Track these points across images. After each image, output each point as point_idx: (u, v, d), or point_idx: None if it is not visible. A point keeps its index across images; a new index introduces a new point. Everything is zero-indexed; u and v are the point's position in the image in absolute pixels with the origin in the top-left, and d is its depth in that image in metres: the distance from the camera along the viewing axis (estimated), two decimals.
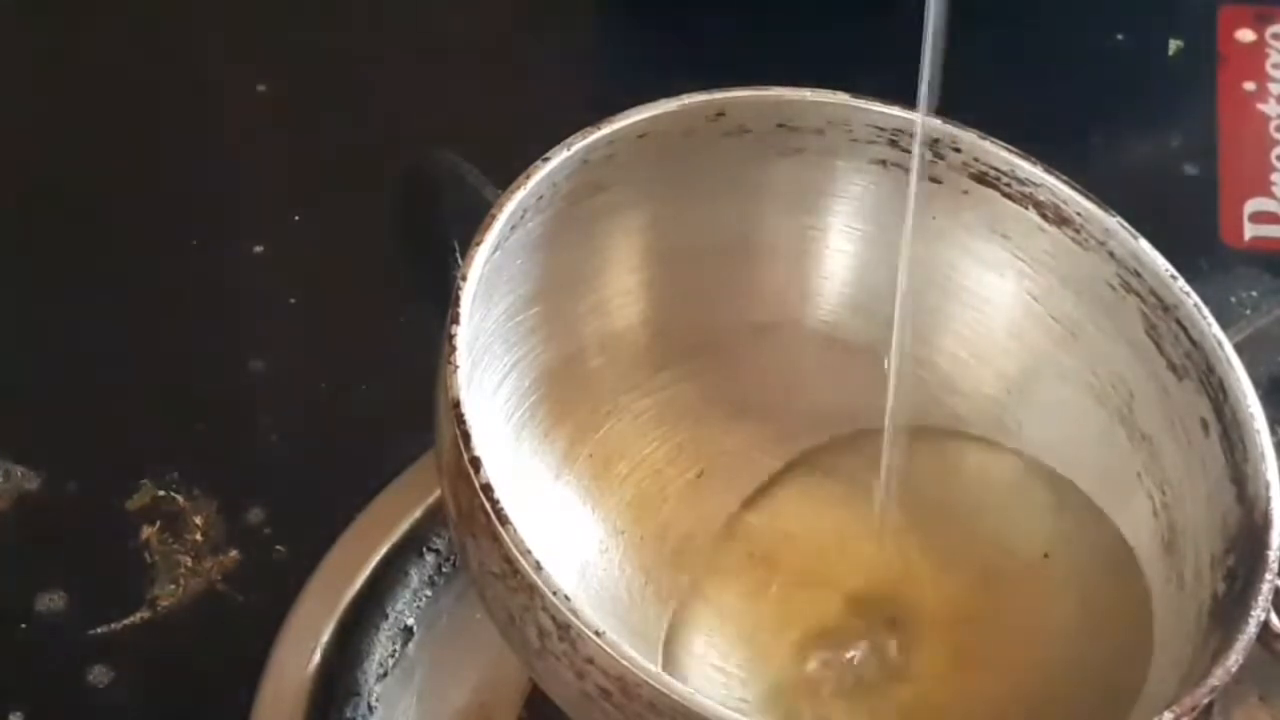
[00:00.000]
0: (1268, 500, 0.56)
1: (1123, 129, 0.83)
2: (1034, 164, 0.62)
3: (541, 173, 0.59)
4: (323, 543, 0.67)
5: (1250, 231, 0.80)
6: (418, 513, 0.67)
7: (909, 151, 0.63)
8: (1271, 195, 0.81)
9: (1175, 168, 0.82)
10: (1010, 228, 0.63)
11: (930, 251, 0.64)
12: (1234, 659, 0.54)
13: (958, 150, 0.62)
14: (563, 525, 0.61)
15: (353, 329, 0.74)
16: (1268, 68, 0.85)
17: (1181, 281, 0.60)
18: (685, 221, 0.64)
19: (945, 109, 0.63)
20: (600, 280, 0.63)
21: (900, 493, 0.63)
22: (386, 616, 0.65)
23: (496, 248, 0.58)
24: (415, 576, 0.66)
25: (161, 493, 0.69)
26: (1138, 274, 0.61)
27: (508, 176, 0.59)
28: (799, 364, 0.65)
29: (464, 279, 0.56)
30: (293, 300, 0.75)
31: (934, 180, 0.63)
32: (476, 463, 0.53)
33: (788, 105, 0.62)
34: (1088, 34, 0.86)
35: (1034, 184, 0.62)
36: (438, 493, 0.57)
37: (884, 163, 0.63)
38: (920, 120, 0.61)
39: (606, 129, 0.60)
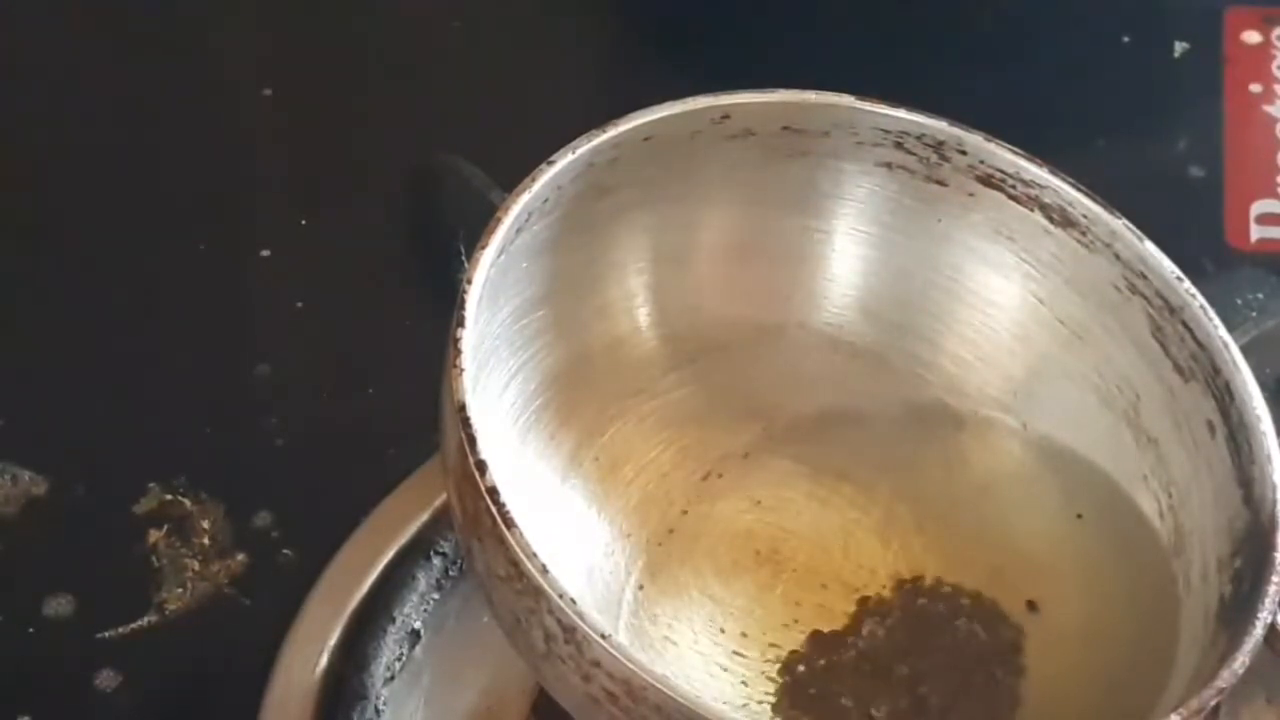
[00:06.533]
0: (1274, 503, 0.56)
1: (1128, 131, 0.83)
2: (1040, 166, 0.62)
3: (546, 176, 0.59)
4: (330, 546, 0.67)
5: (1256, 233, 0.79)
6: (424, 516, 0.67)
7: (915, 154, 0.63)
8: (1277, 197, 0.80)
9: (1181, 170, 0.82)
10: (1016, 230, 0.63)
11: (936, 254, 0.64)
12: (1241, 661, 0.54)
13: (963, 153, 0.62)
14: (569, 528, 0.61)
15: (359, 333, 0.75)
16: (1273, 69, 0.85)
17: (1187, 283, 0.60)
18: (690, 224, 0.64)
19: (951, 111, 0.63)
20: (606, 283, 0.63)
21: (906, 492, 0.63)
22: (393, 620, 0.65)
23: (502, 251, 0.58)
24: (422, 580, 0.66)
25: (169, 497, 0.69)
26: (1143, 276, 0.61)
27: (513, 180, 0.59)
28: (804, 366, 0.65)
29: (469, 282, 0.56)
30: (299, 304, 0.75)
31: (940, 183, 0.63)
32: (482, 466, 0.54)
33: (793, 108, 0.62)
34: (1093, 36, 0.86)
35: (1040, 186, 0.62)
36: (444, 496, 0.58)
37: (889, 165, 0.63)
38: None
39: (611, 132, 0.60)
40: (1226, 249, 0.79)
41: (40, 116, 0.81)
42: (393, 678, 0.64)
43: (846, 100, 0.62)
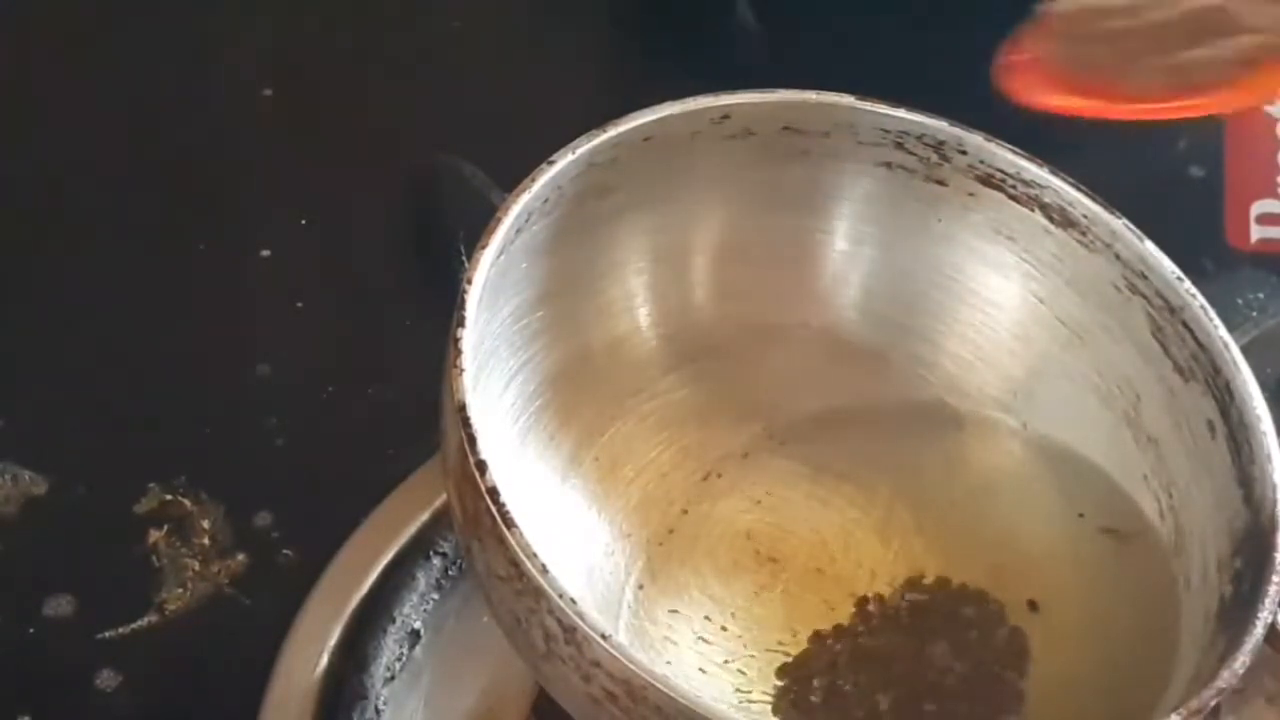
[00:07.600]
0: (1274, 503, 0.56)
1: (1128, 131, 0.83)
2: (1040, 166, 0.62)
3: (546, 176, 0.59)
4: (330, 546, 0.67)
5: (1256, 233, 0.79)
6: (424, 516, 0.67)
7: (915, 154, 0.63)
8: (1277, 197, 0.80)
9: (1181, 170, 0.82)
10: (1016, 230, 0.63)
11: (936, 254, 0.64)
12: (1241, 661, 0.54)
13: (964, 153, 0.62)
14: (569, 528, 0.61)
15: (359, 333, 0.75)
16: None
17: (1188, 283, 0.60)
18: (690, 224, 0.64)
19: (951, 111, 0.63)
20: (606, 283, 0.63)
21: (906, 492, 0.63)
22: (393, 620, 0.65)
23: (502, 251, 0.58)
24: (422, 580, 0.66)
25: (169, 497, 0.69)
26: (1144, 276, 0.61)
27: (513, 180, 0.59)
28: (804, 366, 0.65)
29: (469, 282, 0.56)
30: (299, 304, 0.75)
31: (940, 183, 0.63)
32: (482, 466, 0.54)
33: (793, 108, 0.62)
34: None
35: (1040, 186, 0.62)
36: (444, 496, 0.58)
37: (889, 165, 0.63)
38: None
39: (611, 132, 0.60)
40: (1227, 249, 0.79)
41: (41, 117, 0.81)
42: (393, 678, 0.64)
43: (846, 100, 0.62)
